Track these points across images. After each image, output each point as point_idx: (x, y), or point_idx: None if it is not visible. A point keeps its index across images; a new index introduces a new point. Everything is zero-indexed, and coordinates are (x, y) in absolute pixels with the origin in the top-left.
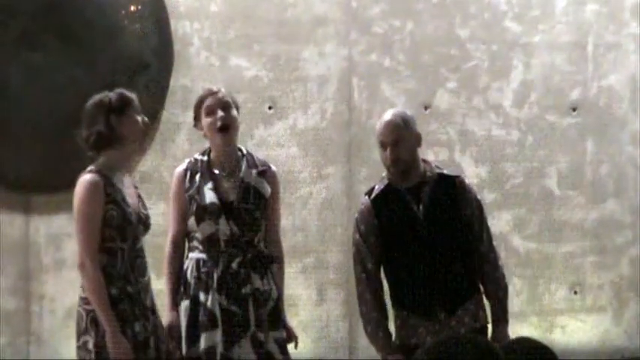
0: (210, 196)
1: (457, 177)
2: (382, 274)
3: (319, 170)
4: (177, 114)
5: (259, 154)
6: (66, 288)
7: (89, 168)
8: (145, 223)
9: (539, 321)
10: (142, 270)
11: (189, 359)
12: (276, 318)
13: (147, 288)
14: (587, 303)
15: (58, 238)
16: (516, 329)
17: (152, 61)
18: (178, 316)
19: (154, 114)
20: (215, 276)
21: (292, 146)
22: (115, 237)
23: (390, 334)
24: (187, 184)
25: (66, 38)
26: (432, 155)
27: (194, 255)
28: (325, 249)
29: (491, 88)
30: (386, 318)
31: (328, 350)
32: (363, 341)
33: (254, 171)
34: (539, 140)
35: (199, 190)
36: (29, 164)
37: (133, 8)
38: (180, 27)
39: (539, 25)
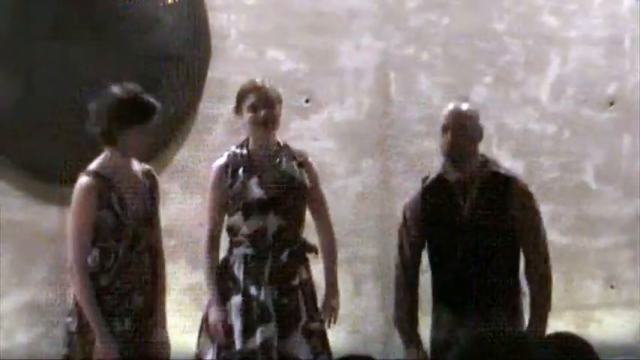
0: (256, 191)
1: (512, 177)
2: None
3: (355, 163)
4: (214, 106)
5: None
6: None
7: (88, 168)
8: (149, 221)
9: (574, 316)
10: (139, 271)
11: (244, 353)
12: (316, 308)
13: (142, 288)
14: (623, 298)
15: None
16: (551, 324)
17: (187, 53)
18: (226, 311)
19: (191, 106)
20: (266, 270)
21: (328, 139)
22: (108, 238)
23: (413, 325)
24: (230, 179)
25: (100, 30)
26: None
27: (240, 250)
28: (361, 242)
29: (528, 82)
30: (415, 308)
31: (363, 343)
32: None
33: (294, 163)
34: (575, 134)
35: (245, 186)
36: (63, 156)
37: (169, 1)
38: (217, 19)
39: (575, 20)
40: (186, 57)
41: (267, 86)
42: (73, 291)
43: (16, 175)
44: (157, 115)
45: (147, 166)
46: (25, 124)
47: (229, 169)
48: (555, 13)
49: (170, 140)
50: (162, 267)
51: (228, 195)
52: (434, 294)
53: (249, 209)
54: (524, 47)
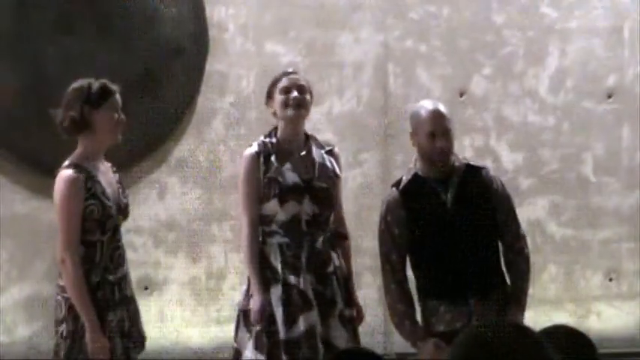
0: (291, 176)
1: (483, 168)
2: (408, 265)
3: (355, 156)
4: (214, 99)
5: None
6: None
7: (67, 162)
8: (124, 212)
9: (575, 307)
10: (121, 260)
11: (288, 342)
12: (350, 296)
13: (126, 277)
14: (623, 290)
15: None
16: (552, 316)
17: (188, 46)
18: (268, 299)
19: (190, 99)
20: (303, 257)
21: (328, 132)
22: (94, 230)
23: (416, 322)
24: (263, 166)
25: (102, 23)
26: (468, 141)
27: (275, 240)
28: (361, 234)
29: (527, 74)
30: (412, 307)
31: (364, 335)
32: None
33: (322, 151)
34: (575, 126)
35: (279, 171)
36: (65, 150)
37: None
38: (215, 12)
39: (575, 11)
40: (186, 51)
41: (299, 74)
42: (66, 287)
43: (17, 169)
44: (118, 94)
45: (109, 164)
46: (27, 118)
47: (261, 156)
48: (555, 4)
49: (169, 134)
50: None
51: (262, 182)
52: (420, 290)
53: (286, 195)
54: (524, 39)
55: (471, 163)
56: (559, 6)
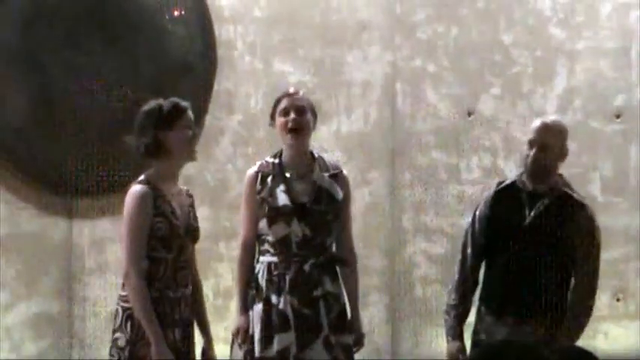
0: (282, 198)
1: (583, 205)
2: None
3: (363, 175)
4: (221, 118)
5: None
6: (109, 291)
7: (139, 178)
8: (193, 235)
9: None
10: (185, 281)
11: None
12: (342, 322)
13: (187, 299)
14: (630, 309)
15: (101, 241)
16: None
17: (196, 64)
18: (248, 319)
19: (198, 118)
20: (287, 278)
21: (336, 151)
22: (159, 248)
23: (459, 319)
24: (259, 186)
25: (110, 40)
26: (476, 161)
27: (265, 258)
28: (369, 253)
29: (536, 93)
30: (462, 304)
31: (371, 355)
32: (406, 345)
33: (326, 174)
34: (583, 146)
35: (272, 192)
36: (73, 167)
37: (177, 13)
38: (224, 31)
39: (583, 31)
40: (194, 69)
41: (301, 93)
42: (130, 301)
43: (24, 186)
44: (190, 111)
45: (185, 187)
46: (37, 136)
47: (259, 176)
48: (563, 24)
49: None
50: (200, 281)
51: (257, 202)
52: (481, 294)
53: (274, 215)
54: (532, 59)
55: (574, 195)
56: (567, 26)
